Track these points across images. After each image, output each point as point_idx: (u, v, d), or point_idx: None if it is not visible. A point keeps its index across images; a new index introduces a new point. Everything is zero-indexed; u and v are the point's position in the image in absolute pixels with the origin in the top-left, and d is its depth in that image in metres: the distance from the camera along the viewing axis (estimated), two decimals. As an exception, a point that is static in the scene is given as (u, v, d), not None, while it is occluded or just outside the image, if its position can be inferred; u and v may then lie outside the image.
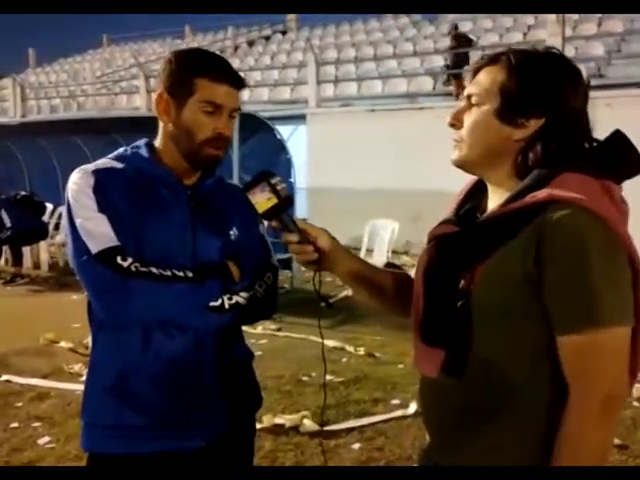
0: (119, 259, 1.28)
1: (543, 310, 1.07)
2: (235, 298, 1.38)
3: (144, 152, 1.42)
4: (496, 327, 1.11)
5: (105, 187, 1.34)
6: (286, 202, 1.27)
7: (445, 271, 1.17)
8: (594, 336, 1.03)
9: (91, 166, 1.39)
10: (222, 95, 1.35)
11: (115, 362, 1.37)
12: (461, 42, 11.53)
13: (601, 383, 1.04)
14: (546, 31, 9.80)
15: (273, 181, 1.26)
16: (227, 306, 1.36)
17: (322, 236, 1.28)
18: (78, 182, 1.36)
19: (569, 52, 10.10)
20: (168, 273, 1.31)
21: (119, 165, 1.40)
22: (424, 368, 1.23)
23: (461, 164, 1.20)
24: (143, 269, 1.29)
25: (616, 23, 11.54)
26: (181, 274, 1.32)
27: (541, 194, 1.07)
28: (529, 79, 1.12)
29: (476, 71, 1.19)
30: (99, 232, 1.30)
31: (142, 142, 1.46)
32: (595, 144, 1.15)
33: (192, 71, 1.35)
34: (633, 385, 1.14)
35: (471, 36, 12.10)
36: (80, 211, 1.32)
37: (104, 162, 1.41)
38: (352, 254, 1.34)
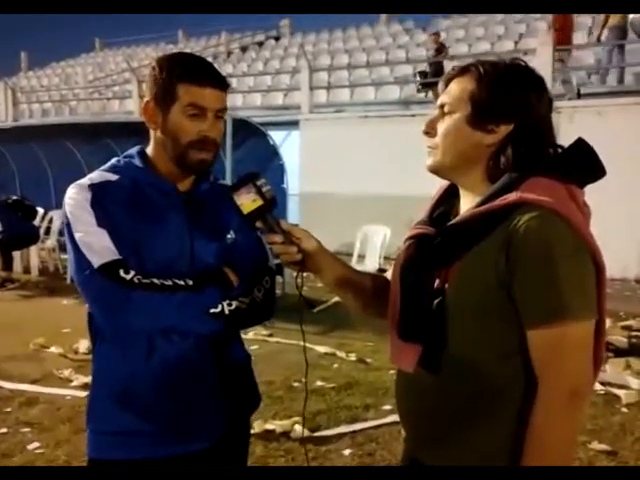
0: (122, 272, 1.29)
1: (515, 308, 1.12)
2: (235, 303, 1.39)
3: (137, 161, 1.43)
4: (470, 325, 1.17)
5: (102, 201, 1.35)
6: (271, 204, 1.29)
7: (421, 270, 1.23)
8: (561, 329, 1.09)
9: (86, 180, 1.38)
10: (205, 97, 1.35)
11: (120, 370, 1.38)
12: (442, 50, 11.71)
13: (567, 375, 1.10)
14: (537, 40, 9.87)
15: (259, 183, 1.28)
16: (227, 312, 1.38)
17: (306, 238, 1.32)
18: (75, 197, 1.36)
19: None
20: (169, 283, 1.32)
21: (114, 177, 1.40)
22: (401, 362, 1.28)
23: (436, 170, 1.27)
24: (145, 281, 1.30)
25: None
26: (182, 283, 1.33)
27: (511, 197, 1.13)
28: (497, 87, 1.19)
29: (448, 82, 1.26)
30: (100, 246, 1.30)
31: (134, 150, 1.46)
32: (560, 150, 1.21)
33: (174, 77, 1.35)
34: (597, 377, 1.20)
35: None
36: (79, 226, 1.33)
37: (98, 175, 1.40)
38: (335, 256, 1.38)
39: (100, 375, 1.43)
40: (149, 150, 1.45)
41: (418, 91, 11.63)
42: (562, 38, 9.69)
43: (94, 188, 1.36)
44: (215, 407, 1.44)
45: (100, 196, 1.35)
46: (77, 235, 1.32)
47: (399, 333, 1.26)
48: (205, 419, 1.42)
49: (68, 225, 1.34)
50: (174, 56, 1.44)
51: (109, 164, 1.45)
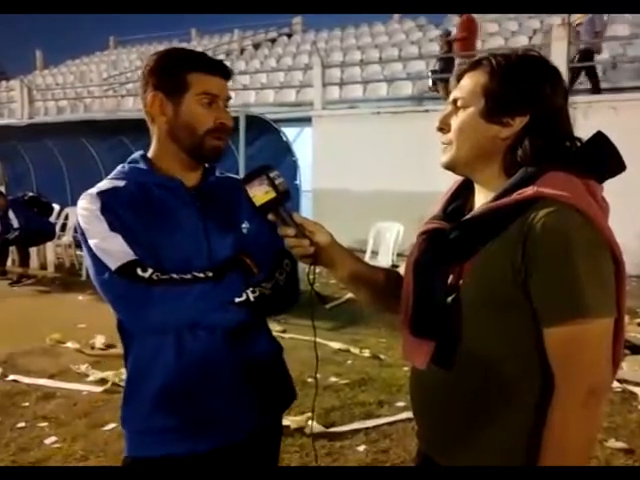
0: (139, 271, 1.30)
1: (531, 304, 1.10)
2: (259, 290, 1.39)
3: (141, 164, 1.45)
4: (484, 321, 1.15)
5: (112, 207, 1.36)
6: (284, 196, 1.28)
7: (434, 265, 1.21)
8: (579, 327, 1.07)
9: (95, 190, 1.40)
10: (216, 85, 1.39)
11: (151, 369, 1.39)
12: (451, 47, 11.64)
13: (585, 373, 1.08)
14: (551, 35, 9.77)
15: (271, 175, 1.27)
16: (252, 299, 1.38)
17: (319, 231, 1.31)
18: (86, 207, 1.37)
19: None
20: (189, 276, 1.33)
21: (121, 183, 1.42)
22: (413, 359, 1.27)
23: (451, 165, 1.25)
24: (164, 277, 1.31)
25: (622, 27, 11.50)
26: (201, 275, 1.34)
27: (528, 191, 1.11)
28: (510, 78, 1.17)
29: (459, 76, 1.24)
30: (115, 249, 1.32)
31: (137, 155, 1.48)
32: (578, 144, 1.19)
33: (183, 68, 1.38)
34: (615, 374, 1.18)
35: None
36: (94, 233, 1.34)
37: (106, 183, 1.42)
38: (347, 250, 1.37)
39: (132, 375, 1.44)
40: (150, 151, 1.46)
41: (430, 89, 11.56)
42: (466, 46, 9.83)
43: (103, 196, 1.38)
44: (246, 402, 1.44)
45: (110, 202, 1.37)
46: (92, 242, 1.33)
47: (411, 329, 1.25)
48: (235, 415, 1.42)
49: (83, 235, 1.36)
50: (177, 49, 1.47)
51: (115, 171, 1.46)
